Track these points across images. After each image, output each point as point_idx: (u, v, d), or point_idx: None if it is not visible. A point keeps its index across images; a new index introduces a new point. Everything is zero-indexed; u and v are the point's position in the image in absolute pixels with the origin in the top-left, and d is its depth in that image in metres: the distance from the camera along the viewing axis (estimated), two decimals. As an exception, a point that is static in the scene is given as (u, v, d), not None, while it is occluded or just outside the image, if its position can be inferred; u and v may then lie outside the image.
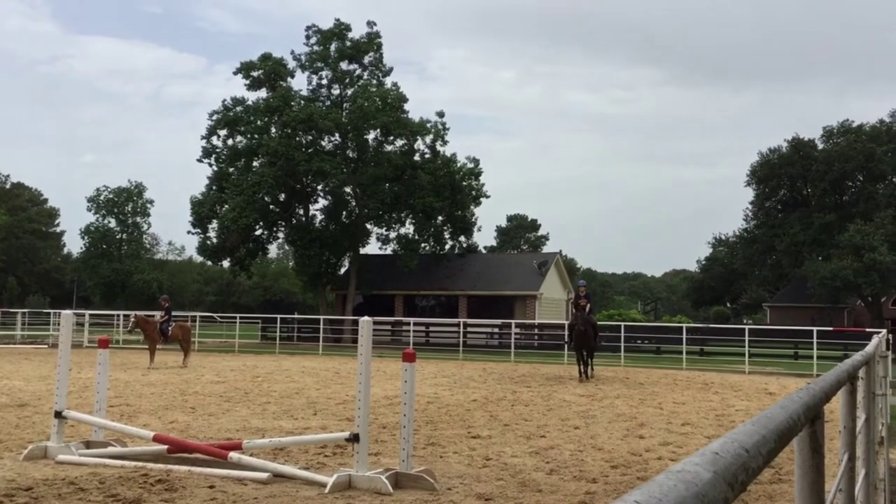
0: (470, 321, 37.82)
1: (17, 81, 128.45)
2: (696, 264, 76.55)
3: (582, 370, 20.76)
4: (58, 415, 9.00)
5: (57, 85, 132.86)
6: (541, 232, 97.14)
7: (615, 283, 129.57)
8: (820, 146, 56.34)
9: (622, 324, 32.45)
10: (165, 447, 8.35)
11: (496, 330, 38.67)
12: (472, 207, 46.60)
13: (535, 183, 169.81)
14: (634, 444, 10.53)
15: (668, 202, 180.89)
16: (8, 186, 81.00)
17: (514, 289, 44.51)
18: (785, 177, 56.76)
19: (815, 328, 27.20)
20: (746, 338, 27.74)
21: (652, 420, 12.89)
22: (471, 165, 46.01)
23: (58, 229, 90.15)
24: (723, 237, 68.79)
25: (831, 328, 31.12)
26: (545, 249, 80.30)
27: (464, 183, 45.48)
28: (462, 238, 47.47)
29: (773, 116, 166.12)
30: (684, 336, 29.08)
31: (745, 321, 68.64)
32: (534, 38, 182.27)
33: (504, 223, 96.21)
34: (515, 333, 33.04)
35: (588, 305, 20.94)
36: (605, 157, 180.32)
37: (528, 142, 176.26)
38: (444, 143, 45.64)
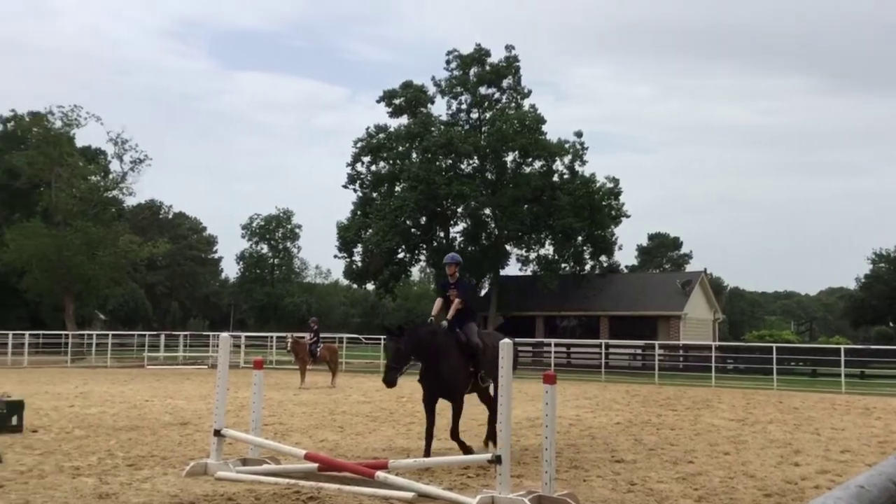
0: (612, 342, 37.14)
1: (177, 117, 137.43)
2: (855, 282, 72.38)
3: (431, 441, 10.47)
4: (217, 433, 9.48)
5: (213, 119, 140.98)
6: (683, 250, 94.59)
7: (765, 303, 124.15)
8: None
9: (774, 345, 31.01)
10: (316, 465, 8.65)
11: (639, 351, 37.80)
12: (612, 227, 45.94)
13: (677, 200, 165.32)
14: (789, 471, 10.05)
15: (822, 216, 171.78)
16: (170, 216, 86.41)
17: (657, 309, 43.44)
18: (953, 186, 52.87)
19: None
20: (913, 360, 25.90)
21: (808, 447, 12.26)
22: (610, 185, 45.44)
23: (215, 255, 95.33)
24: (884, 252, 64.81)
25: None
26: (689, 268, 78.12)
27: (603, 203, 44.92)
28: (602, 258, 46.84)
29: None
30: (843, 358, 27.45)
31: (911, 342, 64.13)
32: (672, 53, 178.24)
33: (645, 242, 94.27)
34: (659, 355, 32.20)
35: (461, 303, 10.73)
36: (751, 170, 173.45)
37: (669, 158, 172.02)
38: (583, 162, 45.36)
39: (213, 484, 8.71)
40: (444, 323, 10.58)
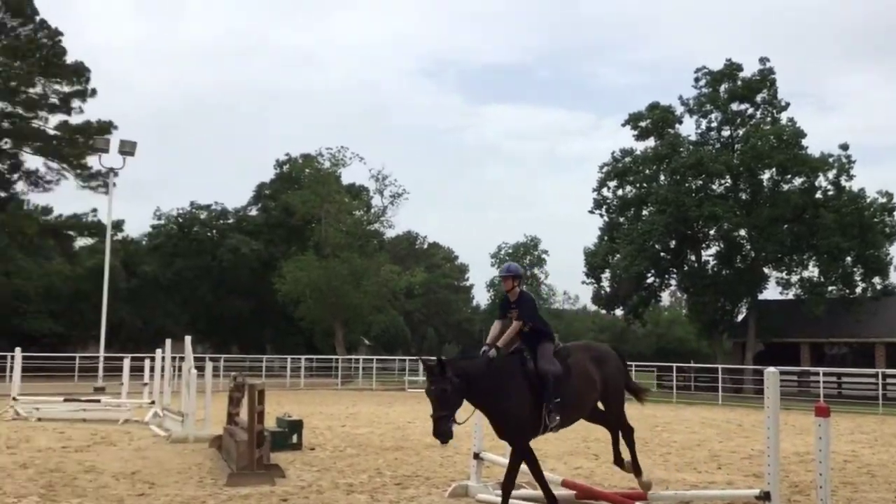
0: (890, 372, 33.86)
1: (430, 152, 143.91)
2: None
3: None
4: (476, 456, 9.83)
5: (463, 151, 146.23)
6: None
7: None
8: None
9: None
10: (573, 493, 8.70)
11: (925, 382, 34.18)
12: (886, 246, 41.99)
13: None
14: None
15: None
16: (425, 246, 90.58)
17: (944, 335, 39.11)
18: None
19: None
20: None
21: None
22: (883, 200, 41.65)
23: (467, 283, 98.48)
24: None
25: None
26: (984, 289, 69.32)
27: (875, 220, 41.25)
28: (876, 279, 42.84)
29: None
30: None
31: None
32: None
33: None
34: (950, 387, 28.87)
35: (523, 325, 8.52)
36: None
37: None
38: (850, 177, 42.00)
39: (474, 505, 9.03)
40: (493, 352, 8.25)
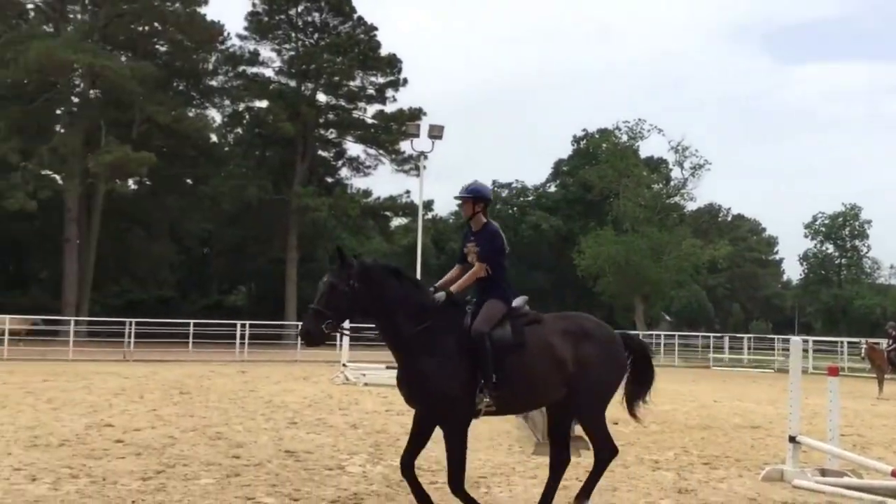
0: None
1: (734, 119, 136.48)
2: None
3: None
4: (792, 439, 9.30)
5: (771, 117, 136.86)
6: None
7: None
8: None
9: None
10: (906, 484, 7.96)
11: None
12: None
13: None
14: None
15: None
16: (729, 219, 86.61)
17: None
18: None
19: None
20: None
21: None
22: None
23: (776, 257, 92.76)
24: None
25: None
26: None
27: None
28: None
29: None
30: None
31: None
32: None
33: None
34: None
35: (481, 269, 6.63)
36: None
37: None
38: None
39: (791, 492, 8.58)
40: (441, 294, 6.46)
